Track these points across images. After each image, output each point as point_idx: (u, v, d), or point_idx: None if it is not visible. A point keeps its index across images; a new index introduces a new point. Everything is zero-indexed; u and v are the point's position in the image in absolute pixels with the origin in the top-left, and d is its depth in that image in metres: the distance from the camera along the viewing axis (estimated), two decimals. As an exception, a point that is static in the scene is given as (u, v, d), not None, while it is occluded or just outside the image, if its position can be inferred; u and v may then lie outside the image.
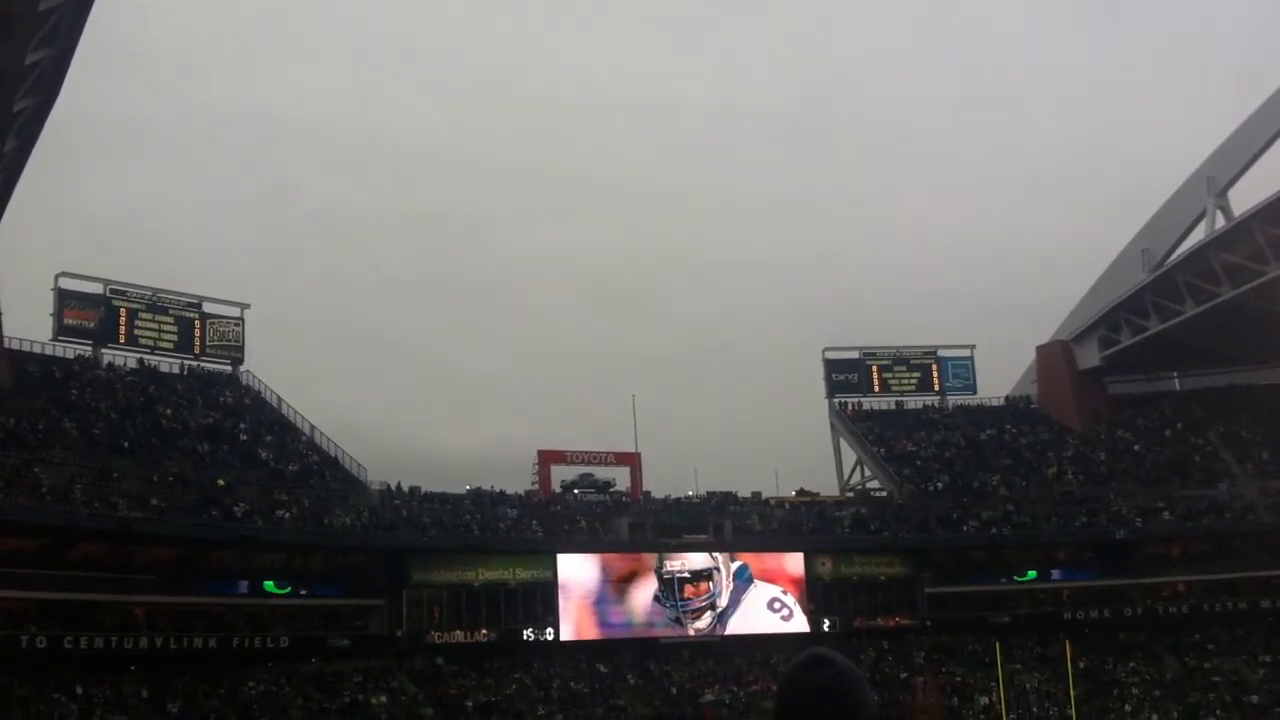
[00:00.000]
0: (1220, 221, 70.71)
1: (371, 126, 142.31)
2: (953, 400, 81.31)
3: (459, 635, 56.83)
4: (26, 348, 59.32)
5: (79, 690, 45.06)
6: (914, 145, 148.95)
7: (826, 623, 62.90)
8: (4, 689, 43.00)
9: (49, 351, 60.42)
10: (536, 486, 68.33)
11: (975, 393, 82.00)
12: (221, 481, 54.49)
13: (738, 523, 65.55)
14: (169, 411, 59.43)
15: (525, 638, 57.97)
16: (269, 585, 52.89)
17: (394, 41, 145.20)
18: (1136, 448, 75.08)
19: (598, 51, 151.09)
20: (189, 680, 48.73)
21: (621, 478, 69.94)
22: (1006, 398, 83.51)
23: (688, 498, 68.64)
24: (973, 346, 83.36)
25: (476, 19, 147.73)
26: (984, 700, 58.47)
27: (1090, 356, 78.66)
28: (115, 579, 48.71)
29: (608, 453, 71.10)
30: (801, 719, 2.72)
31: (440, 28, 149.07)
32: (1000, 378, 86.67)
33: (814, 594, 63.16)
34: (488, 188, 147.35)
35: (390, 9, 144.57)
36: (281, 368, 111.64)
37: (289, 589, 53.45)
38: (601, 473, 69.73)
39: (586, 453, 70.49)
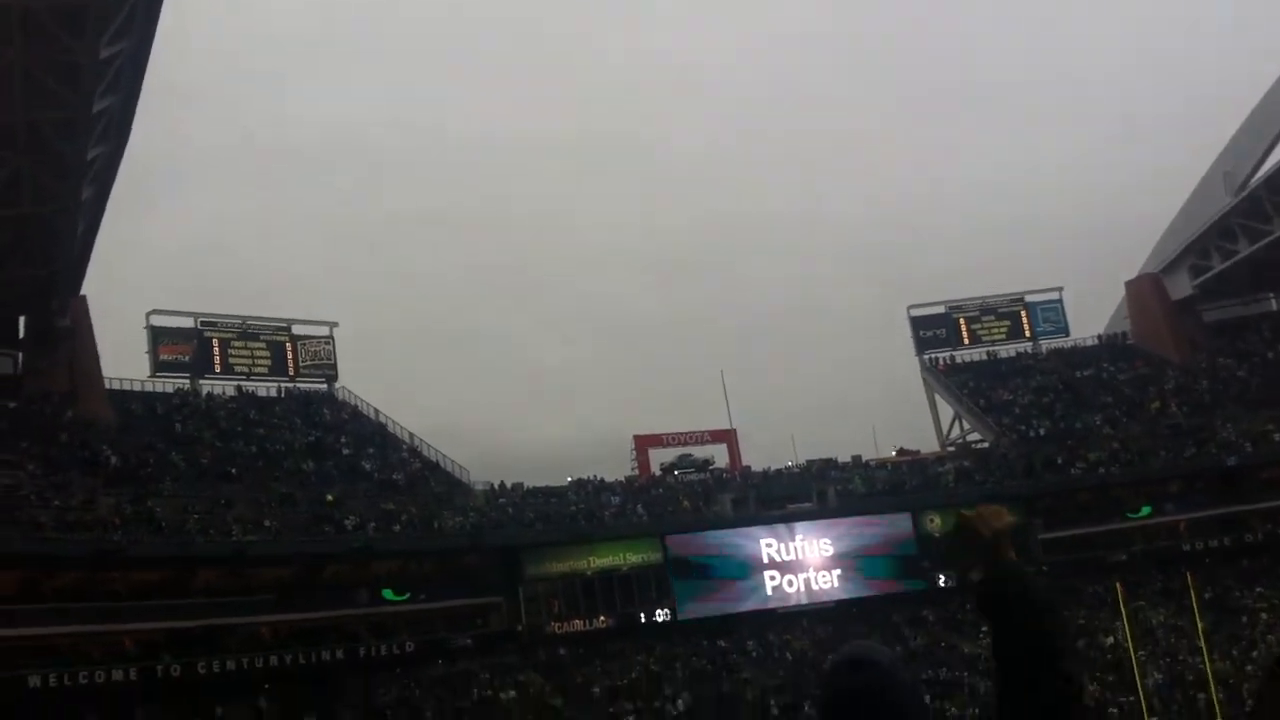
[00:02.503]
0: (1303, 137, 69.13)
1: (432, 123, 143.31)
2: (1045, 344, 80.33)
3: (578, 624, 57.29)
4: (127, 386, 60.74)
5: (219, 712, 46.06)
6: (981, 86, 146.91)
7: (942, 578, 62.43)
8: (150, 717, 44.10)
9: (148, 388, 61.82)
10: (636, 472, 68.63)
11: (1068, 335, 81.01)
12: (330, 497, 55.39)
13: (840, 488, 65.30)
14: (271, 434, 60.49)
15: (643, 620, 58.26)
16: (387, 593, 53.63)
17: (450, 40, 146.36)
18: (1239, 373, 73.65)
19: (649, 27, 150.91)
20: (321, 693, 49.59)
21: (719, 455, 70.07)
22: (1100, 336, 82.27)
23: (787, 468, 68.48)
24: (1060, 288, 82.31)
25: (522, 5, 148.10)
26: (1109, 640, 57.69)
27: (1182, 286, 77.38)
28: (238, 602, 49.78)
29: (703, 431, 71.23)
30: None
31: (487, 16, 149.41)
32: (1092, 317, 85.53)
33: (926, 551, 62.70)
34: (552, 174, 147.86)
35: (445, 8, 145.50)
36: (375, 379, 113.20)
37: (407, 595, 54.13)
38: (699, 451, 69.86)
39: (682, 433, 70.65)
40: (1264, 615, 59.38)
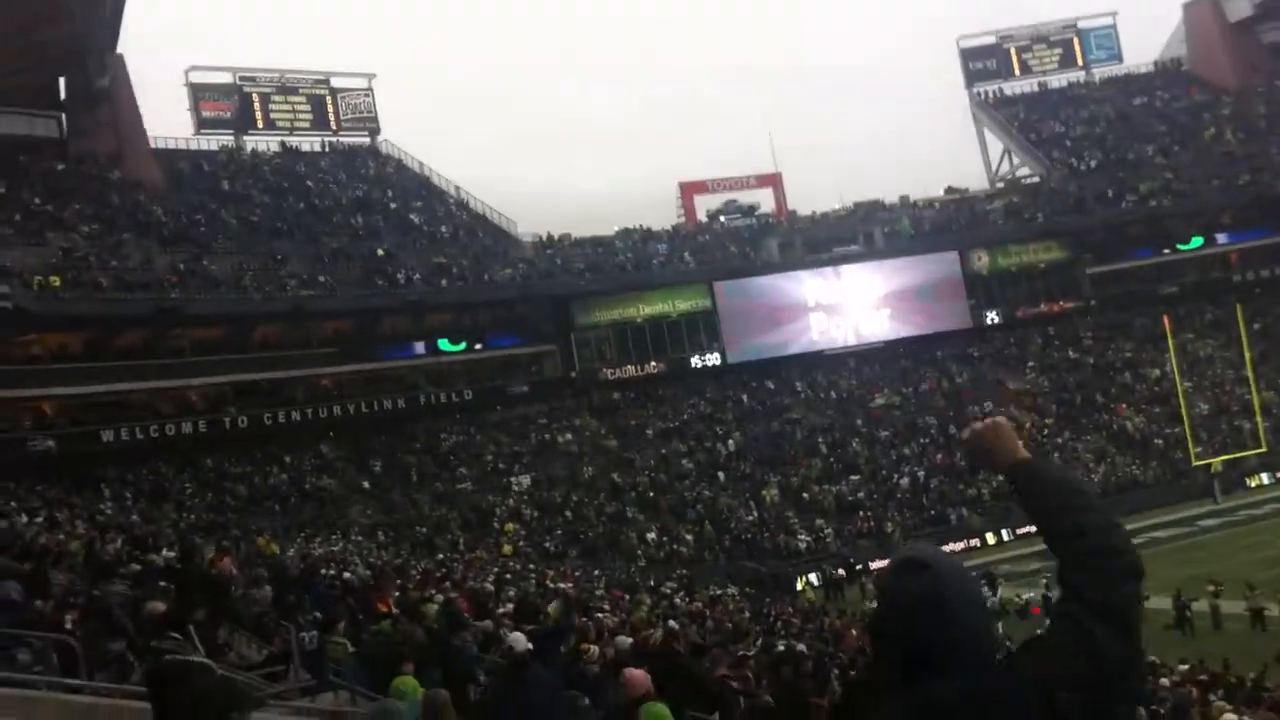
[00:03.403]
0: None
1: None
2: (1099, 73, 78.31)
3: (630, 370, 58.39)
4: (172, 145, 60.64)
5: (287, 459, 47.87)
6: None
7: (990, 316, 62.80)
8: (218, 467, 45.90)
9: (194, 146, 61.75)
10: (683, 219, 68.47)
11: (1121, 62, 78.74)
12: (381, 251, 55.86)
13: (887, 229, 65.01)
14: (318, 189, 60.62)
15: (693, 365, 59.26)
16: (443, 343, 54.65)
17: None
18: (1298, 96, 71.64)
19: None
20: (385, 440, 51.32)
21: (766, 200, 69.59)
22: (1155, 63, 79.88)
23: (834, 211, 67.99)
24: (1114, 13, 79.50)
25: None
26: (1155, 373, 58.29)
27: (1241, 7, 74.73)
28: (298, 355, 50.95)
29: (748, 176, 70.61)
30: (901, 633, 2.41)
31: None
32: (1147, 44, 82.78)
33: (973, 290, 62.85)
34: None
35: None
36: (417, 131, 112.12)
37: (463, 344, 55.19)
38: (745, 197, 69.32)
39: (727, 179, 70.05)
40: (1312, 344, 59.62)
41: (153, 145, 58.82)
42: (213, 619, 13.88)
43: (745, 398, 58.57)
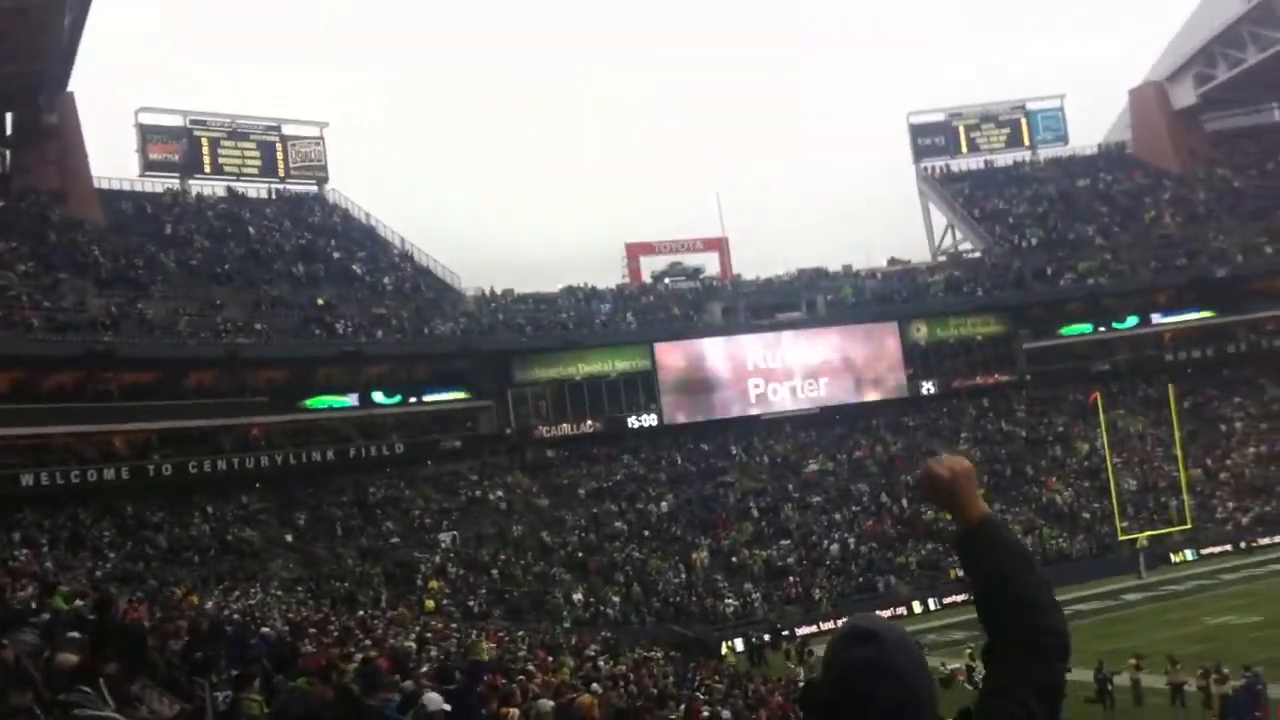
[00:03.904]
0: (1320, -60, 67.15)
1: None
2: (1044, 153, 79.61)
3: (565, 428, 58.28)
4: (116, 185, 60.42)
5: (210, 510, 47.32)
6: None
7: (926, 386, 63.28)
8: (138, 515, 45.33)
9: (138, 188, 61.52)
10: (627, 279, 68.74)
11: (1067, 143, 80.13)
12: (321, 301, 55.71)
13: (829, 297, 65.59)
14: (261, 236, 60.47)
15: (629, 426, 59.26)
16: (378, 396, 54.43)
17: None
18: (1236, 184, 73.11)
19: None
20: (311, 492, 50.90)
21: (711, 264, 69.99)
22: (1100, 146, 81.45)
23: (778, 277, 68.46)
24: (1062, 96, 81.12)
25: None
26: (1086, 447, 58.86)
27: (1186, 95, 76.26)
28: (230, 403, 50.51)
29: (695, 240, 71.05)
30: (849, 701, 2.38)
31: None
32: (1093, 126, 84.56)
33: (911, 359, 63.38)
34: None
35: None
36: (367, 180, 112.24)
37: (398, 398, 54.99)
38: (690, 260, 69.75)
39: (674, 242, 70.45)
40: (1238, 425, 60.44)
41: (97, 185, 58.61)
42: (126, 672, 13.65)
43: (680, 459, 58.61)
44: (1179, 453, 53.33)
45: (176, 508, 46.44)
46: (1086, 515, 54.34)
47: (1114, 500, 51.55)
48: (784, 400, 61.75)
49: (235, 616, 37.50)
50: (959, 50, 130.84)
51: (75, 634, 14.79)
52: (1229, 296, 64.72)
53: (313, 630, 27.20)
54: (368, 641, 25.31)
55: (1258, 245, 65.78)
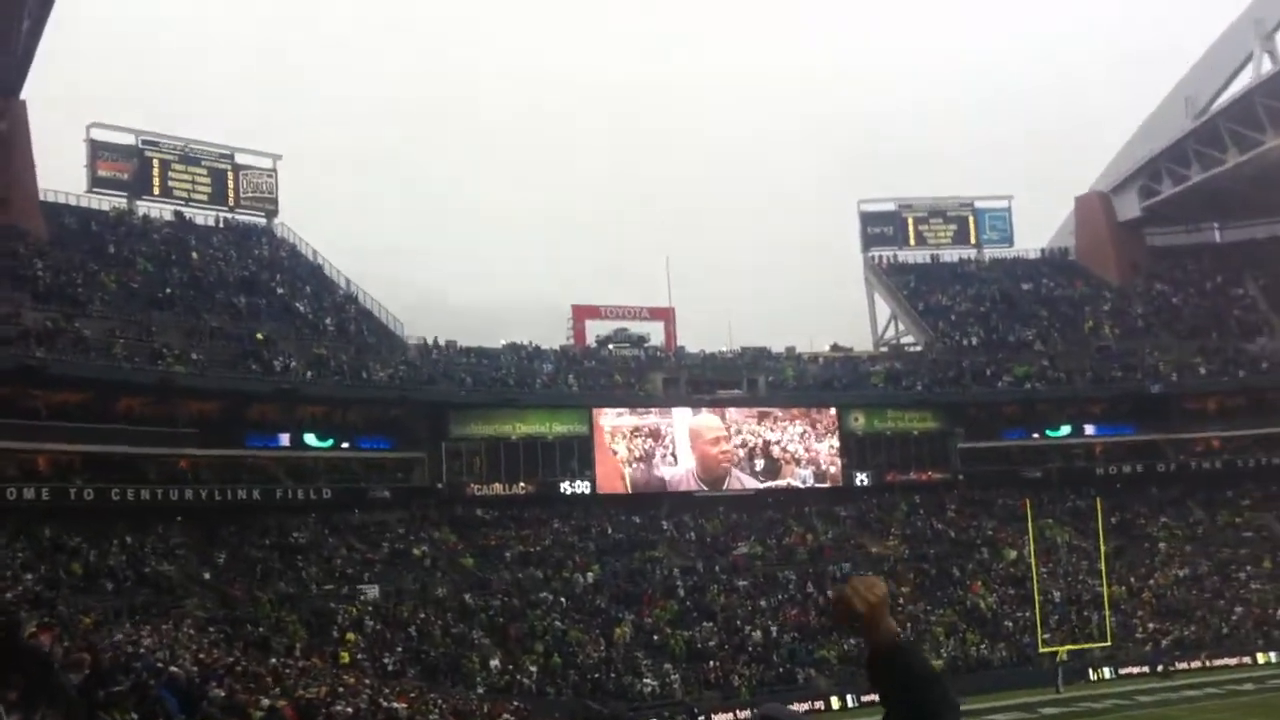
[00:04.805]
0: (1268, 65, 69.09)
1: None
2: (989, 253, 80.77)
3: (498, 488, 57.58)
4: (61, 199, 59.23)
5: (128, 540, 46.01)
6: None
7: (860, 476, 63.42)
8: (55, 539, 43.94)
9: (84, 204, 60.36)
10: (571, 341, 68.52)
11: (1012, 245, 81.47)
12: (260, 336, 54.76)
13: (771, 378, 65.74)
14: (206, 264, 59.50)
15: (562, 491, 58.71)
16: (310, 438, 53.51)
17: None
18: (1174, 300, 74.53)
19: None
20: (234, 530, 49.72)
21: (656, 333, 70.04)
22: (1044, 250, 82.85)
23: (721, 353, 68.58)
24: (1010, 198, 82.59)
25: None
26: (1013, 554, 59.17)
27: (1130, 207, 77.73)
28: (159, 433, 49.27)
29: (641, 308, 71.13)
30: None
31: None
32: (1039, 229, 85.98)
33: (847, 448, 63.54)
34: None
35: None
36: (315, 214, 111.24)
37: (330, 441, 54.09)
38: (636, 327, 69.80)
39: (621, 308, 70.53)
40: (1163, 545, 61.12)
41: (42, 197, 57.39)
42: (28, 698, 12.96)
43: (610, 529, 58.10)
44: (1103, 567, 53.75)
45: (95, 534, 45.07)
46: (1009, 623, 54.46)
47: (1037, 610, 51.77)
48: (719, 479, 61.50)
49: (142, 651, 36.56)
50: (910, 135, 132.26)
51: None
52: (1161, 413, 65.72)
53: (222, 672, 26.46)
54: (277, 690, 24.67)
55: (1193, 364, 66.92)
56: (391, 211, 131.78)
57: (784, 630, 51.91)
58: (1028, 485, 62.23)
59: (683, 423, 61.30)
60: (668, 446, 60.81)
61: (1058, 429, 66.40)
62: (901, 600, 55.08)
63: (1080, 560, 59.06)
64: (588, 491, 58.95)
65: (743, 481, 61.69)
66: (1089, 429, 66.73)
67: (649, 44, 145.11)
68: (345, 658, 42.86)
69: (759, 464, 61.96)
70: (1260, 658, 52.49)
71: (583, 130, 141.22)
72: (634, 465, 60.09)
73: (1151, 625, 54.82)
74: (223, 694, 20.13)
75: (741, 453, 61.81)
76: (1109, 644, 52.06)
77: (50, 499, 44.90)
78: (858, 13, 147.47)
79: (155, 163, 62.91)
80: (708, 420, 61.75)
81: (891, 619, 2.70)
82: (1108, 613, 52.59)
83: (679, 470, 60.90)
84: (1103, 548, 53.90)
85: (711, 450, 61.46)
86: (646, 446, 60.39)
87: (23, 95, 56.11)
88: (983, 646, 52.39)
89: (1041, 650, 51.18)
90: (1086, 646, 52.47)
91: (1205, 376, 66.50)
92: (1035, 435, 66.28)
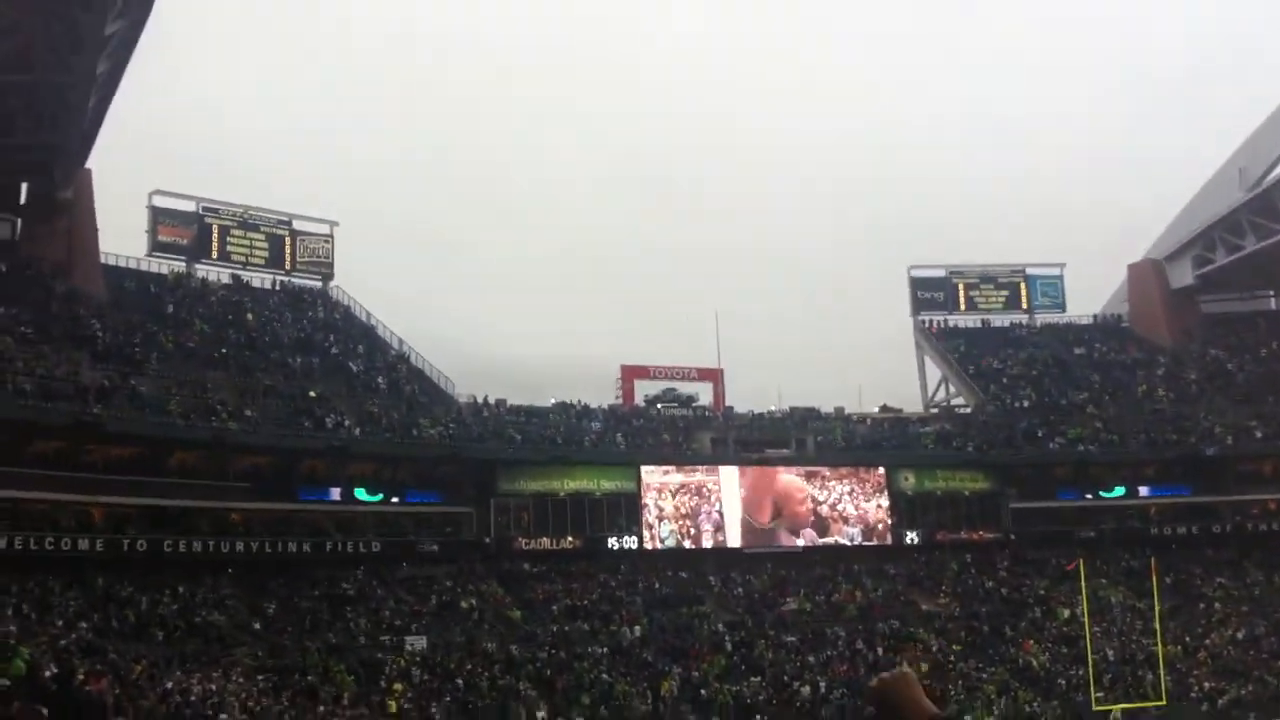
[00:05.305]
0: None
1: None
2: (1041, 318, 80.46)
3: (545, 543, 57.82)
4: (122, 263, 60.86)
5: (180, 590, 46.63)
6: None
7: (910, 535, 63.04)
8: (108, 588, 44.66)
9: (144, 267, 61.98)
10: (620, 400, 68.96)
11: (1064, 311, 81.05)
12: (313, 393, 55.71)
13: (820, 438, 65.73)
14: (261, 325, 60.73)
15: (609, 546, 58.85)
16: (360, 493, 54.12)
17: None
18: (1229, 366, 73.85)
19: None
20: (284, 582, 50.23)
21: (704, 393, 70.27)
22: (1096, 316, 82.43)
23: (770, 412, 68.74)
24: (1063, 265, 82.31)
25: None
26: (1066, 613, 58.37)
27: (1184, 275, 77.44)
28: (212, 486, 50.17)
29: (690, 369, 71.42)
30: None
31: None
32: (1090, 296, 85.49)
33: (896, 507, 63.25)
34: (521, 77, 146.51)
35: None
36: (371, 283, 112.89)
37: (380, 496, 54.67)
38: (684, 387, 70.12)
39: (670, 368, 70.90)
40: (1219, 605, 60.05)
41: (103, 260, 59.06)
42: None
43: (658, 584, 58.05)
44: (1158, 626, 52.85)
45: (147, 585, 45.75)
46: (1062, 681, 53.58)
47: (1090, 669, 50.94)
48: (766, 535, 61.41)
49: (193, 699, 36.92)
50: (961, 202, 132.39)
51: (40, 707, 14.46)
52: (1216, 476, 64.94)
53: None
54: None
55: (1248, 428, 66.16)
56: (443, 274, 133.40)
57: (833, 686, 51.35)
58: (1081, 544, 61.40)
59: (730, 480, 61.33)
60: (716, 503, 60.82)
61: (1111, 490, 65.74)
62: (952, 658, 54.55)
63: (1135, 620, 58.11)
64: (635, 547, 59.01)
65: (792, 538, 61.49)
66: (1143, 490, 65.98)
67: (704, 106, 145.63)
68: (393, 707, 43.14)
69: (810, 521, 61.90)
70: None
71: (626, 187, 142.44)
72: (680, 522, 60.13)
73: (1208, 684, 53.68)
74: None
75: (790, 511, 61.68)
76: (1163, 703, 50.97)
77: (104, 550, 45.90)
78: (907, 72, 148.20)
79: (215, 228, 64.55)
80: (755, 479, 61.81)
81: (928, 700, 2.72)
82: (1163, 671, 51.55)
83: (728, 526, 60.85)
84: (1158, 606, 53.06)
85: (800, 509, 61.77)
86: (695, 503, 60.44)
87: (89, 164, 57.97)
88: (1034, 704, 51.55)
89: (1095, 708, 50.20)
90: (1141, 705, 51.43)
91: (1261, 440, 65.63)
92: (1089, 496, 65.64)
